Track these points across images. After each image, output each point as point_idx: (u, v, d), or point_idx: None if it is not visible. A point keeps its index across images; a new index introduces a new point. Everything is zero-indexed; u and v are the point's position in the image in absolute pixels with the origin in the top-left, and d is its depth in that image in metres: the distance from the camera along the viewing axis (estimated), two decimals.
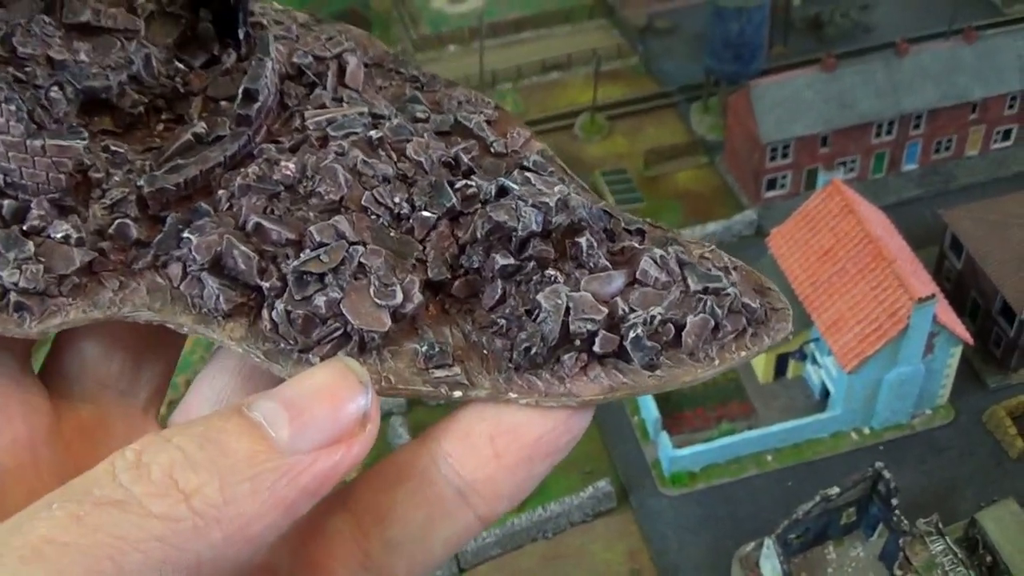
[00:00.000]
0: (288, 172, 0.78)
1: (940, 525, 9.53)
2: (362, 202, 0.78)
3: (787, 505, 9.93)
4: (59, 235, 0.75)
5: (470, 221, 0.78)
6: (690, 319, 0.75)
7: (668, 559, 10.16)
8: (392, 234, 0.77)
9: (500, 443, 0.76)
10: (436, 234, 0.78)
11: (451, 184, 0.80)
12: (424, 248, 0.78)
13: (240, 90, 0.81)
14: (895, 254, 10.39)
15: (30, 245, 0.74)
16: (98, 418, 0.85)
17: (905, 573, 9.37)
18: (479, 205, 0.79)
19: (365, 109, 0.84)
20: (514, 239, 0.76)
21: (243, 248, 0.74)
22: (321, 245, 0.74)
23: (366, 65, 0.90)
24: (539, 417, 0.75)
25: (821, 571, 9.98)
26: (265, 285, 0.74)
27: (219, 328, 0.75)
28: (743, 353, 0.77)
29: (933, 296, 9.84)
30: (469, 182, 0.80)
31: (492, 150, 0.85)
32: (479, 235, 0.77)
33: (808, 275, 10.82)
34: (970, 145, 14.06)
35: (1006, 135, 14.11)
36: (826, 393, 11.05)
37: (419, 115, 0.86)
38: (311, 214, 0.77)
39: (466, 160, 0.83)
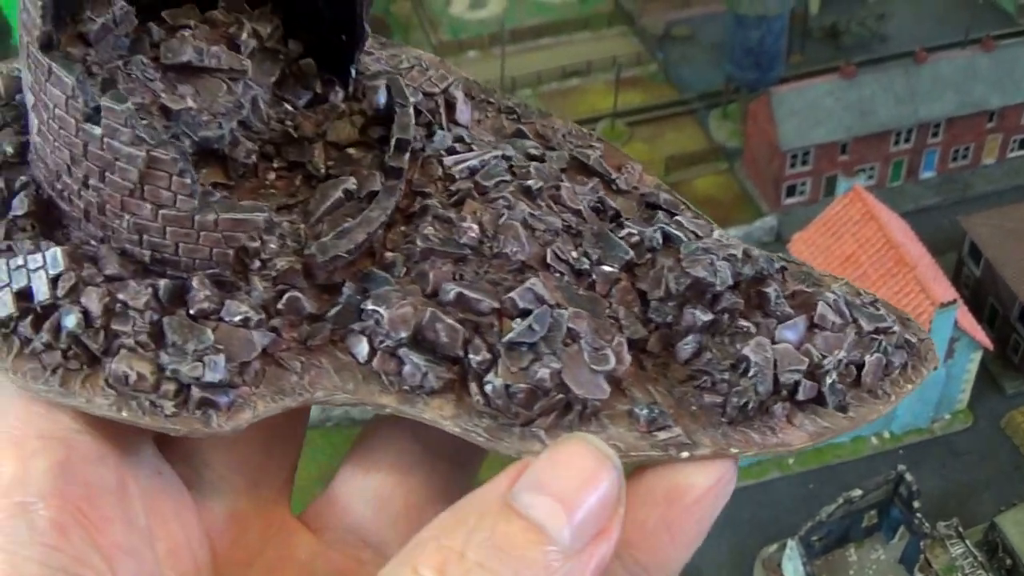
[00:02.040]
0: (473, 234, 0.74)
1: (960, 528, 9.62)
2: (546, 260, 0.75)
3: (808, 508, 10.02)
4: (237, 318, 0.69)
5: (644, 272, 0.77)
6: (868, 359, 0.77)
7: (691, 560, 10.21)
8: (580, 292, 0.75)
9: (676, 527, 0.73)
10: (618, 289, 0.76)
11: (613, 233, 0.79)
12: (611, 305, 0.75)
13: (393, 141, 0.76)
14: (916, 260, 10.50)
15: (209, 333, 0.68)
16: (230, 511, 0.79)
17: None
18: (649, 255, 0.78)
19: (499, 152, 0.80)
20: (708, 293, 0.76)
21: (448, 321, 0.70)
22: (524, 312, 0.71)
23: None
24: (711, 485, 0.73)
25: (843, 573, 10.07)
26: (475, 359, 0.70)
27: (426, 407, 0.71)
28: (909, 387, 0.79)
29: (955, 301, 9.94)
30: (631, 230, 0.79)
31: (614, 187, 0.83)
32: (674, 290, 0.75)
33: None
34: (987, 153, 14.16)
35: (1023, 144, 14.22)
36: None
37: (532, 151, 0.82)
38: (498, 276, 0.73)
39: (611, 204, 0.81)
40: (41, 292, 0.69)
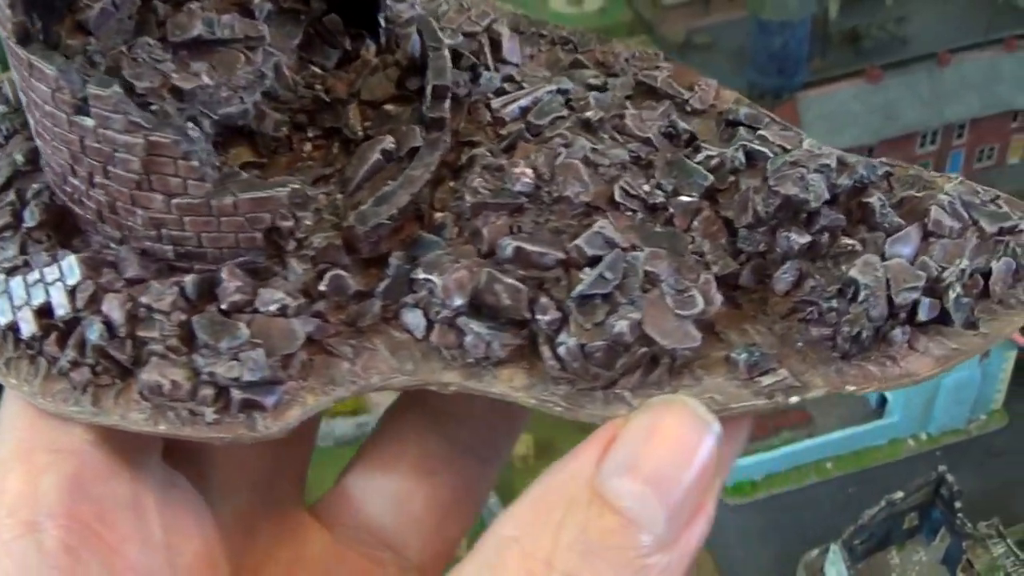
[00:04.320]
0: (527, 179, 0.66)
1: (1001, 528, 9.62)
2: (615, 198, 0.67)
3: (849, 511, 10.01)
4: (273, 308, 0.62)
5: (729, 198, 0.68)
6: (994, 265, 0.66)
7: (734, 567, 10.23)
8: (657, 229, 0.67)
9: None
10: (701, 220, 0.67)
11: (688, 158, 0.70)
12: (693, 239, 0.67)
13: (429, 89, 0.68)
14: None
15: (243, 328, 0.61)
16: (240, 513, 0.74)
17: None
18: (732, 178, 0.69)
19: (553, 87, 0.72)
20: (803, 212, 0.66)
21: (508, 281, 0.62)
22: (594, 259, 0.63)
23: None
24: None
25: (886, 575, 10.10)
26: (543, 319, 0.62)
27: (495, 379, 0.63)
28: None
29: None
30: (709, 152, 0.70)
31: (688, 108, 0.75)
32: (763, 214, 0.66)
33: None
34: (1012, 153, 14.17)
35: None
36: (883, 400, 11.16)
37: (592, 81, 0.75)
38: (561, 224, 0.66)
39: (684, 127, 0.72)
40: (61, 306, 0.63)
